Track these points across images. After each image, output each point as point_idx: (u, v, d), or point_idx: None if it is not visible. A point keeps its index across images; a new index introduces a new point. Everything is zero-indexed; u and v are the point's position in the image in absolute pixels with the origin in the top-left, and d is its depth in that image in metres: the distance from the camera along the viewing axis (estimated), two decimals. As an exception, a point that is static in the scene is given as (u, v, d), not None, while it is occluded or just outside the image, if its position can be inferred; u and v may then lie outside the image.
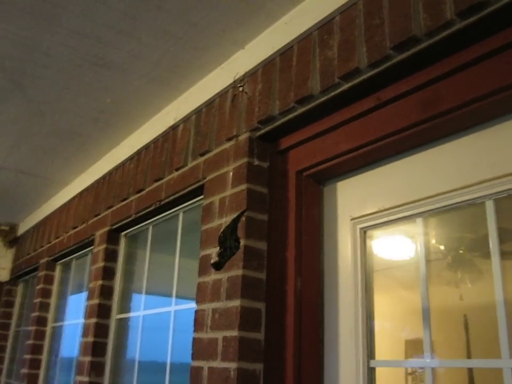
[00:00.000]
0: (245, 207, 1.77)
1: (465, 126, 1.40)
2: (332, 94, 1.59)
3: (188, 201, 2.25)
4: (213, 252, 1.88)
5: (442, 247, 2.06)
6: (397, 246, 1.91)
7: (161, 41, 1.95)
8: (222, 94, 2.08)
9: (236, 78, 1.87)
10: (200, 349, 1.80)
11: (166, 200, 2.30)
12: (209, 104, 2.15)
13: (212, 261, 1.54)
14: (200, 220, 2.13)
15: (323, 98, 1.62)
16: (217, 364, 1.71)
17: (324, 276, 1.73)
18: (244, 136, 1.89)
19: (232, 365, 1.64)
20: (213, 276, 1.84)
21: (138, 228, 2.66)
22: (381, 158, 1.62)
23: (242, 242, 1.74)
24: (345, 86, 1.55)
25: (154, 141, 2.52)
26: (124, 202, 2.65)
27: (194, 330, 1.86)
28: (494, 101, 1.31)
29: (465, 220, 1.59)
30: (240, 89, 1.80)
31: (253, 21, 1.83)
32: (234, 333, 1.67)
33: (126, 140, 2.76)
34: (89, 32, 1.91)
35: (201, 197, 2.13)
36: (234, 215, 1.81)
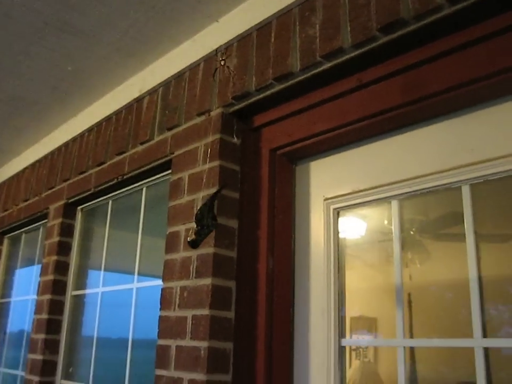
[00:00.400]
0: (217, 184, 1.74)
1: (446, 111, 1.42)
2: (312, 72, 1.57)
3: (152, 176, 2.19)
4: (181, 228, 1.85)
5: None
6: (360, 226, 1.94)
7: (132, 9, 1.86)
8: (192, 67, 2.02)
9: (217, 51, 1.81)
10: (167, 328, 1.77)
11: (129, 175, 2.23)
12: (178, 77, 2.08)
13: (189, 239, 1.51)
14: (164, 196, 2.09)
15: (302, 77, 1.60)
16: (186, 342, 1.68)
17: (295, 256, 1.73)
18: (216, 112, 1.84)
19: (203, 344, 1.62)
20: (182, 254, 1.81)
21: (97, 202, 2.57)
22: (358, 139, 1.62)
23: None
24: (327, 65, 1.53)
25: (117, 113, 2.42)
26: (82, 175, 2.55)
27: (161, 309, 1.82)
28: (476, 88, 1.33)
29: (424, 203, 1.62)
30: (222, 63, 1.75)
31: (231, -7, 1.78)
32: (205, 311, 1.64)
33: (85, 111, 2.64)
34: (55, -7, 1.79)
35: (168, 172, 2.08)
36: (205, 192, 1.77)
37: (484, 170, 1.35)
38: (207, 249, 1.70)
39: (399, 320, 1.44)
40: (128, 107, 2.34)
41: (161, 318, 1.81)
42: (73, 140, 2.72)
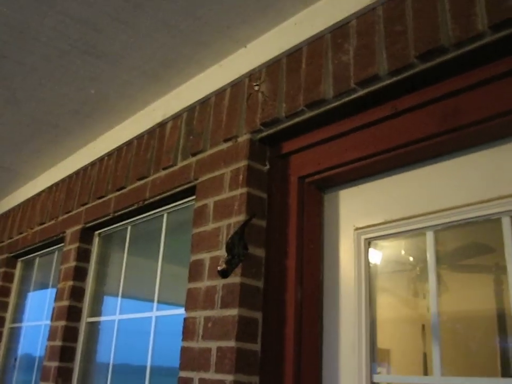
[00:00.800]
0: (245, 211, 1.70)
1: (485, 141, 1.38)
2: (345, 99, 1.54)
3: (174, 202, 2.15)
4: (206, 256, 1.80)
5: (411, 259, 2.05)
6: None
7: (160, 33, 1.85)
8: (219, 93, 2.00)
9: (251, 76, 1.79)
10: (190, 359, 1.71)
11: (150, 200, 2.19)
12: (203, 102, 2.06)
13: (219, 268, 1.46)
14: (186, 223, 2.05)
15: (335, 104, 1.57)
16: (210, 375, 1.62)
17: (323, 287, 1.68)
18: (244, 138, 1.81)
19: (228, 377, 1.56)
20: (206, 282, 1.76)
21: (115, 227, 2.53)
22: (391, 168, 1.58)
23: (242, 248, 1.67)
24: (361, 92, 1.50)
25: (138, 137, 2.40)
26: (101, 200, 2.52)
27: (183, 339, 1.76)
28: (516, 117, 1.30)
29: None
30: (256, 88, 1.72)
31: (260, 19, 1.76)
32: (230, 343, 1.59)
33: (105, 135, 2.63)
34: (85, 18, 1.79)
35: (191, 198, 2.05)
36: (233, 220, 1.73)
37: (526, 202, 1.30)
38: (234, 278, 1.65)
39: (435, 356, 1.38)
40: (151, 132, 2.32)
41: (183, 349, 1.75)
42: (92, 164, 2.70)
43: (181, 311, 2.09)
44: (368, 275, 1.59)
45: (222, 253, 1.73)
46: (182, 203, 2.12)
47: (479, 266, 1.83)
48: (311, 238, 1.71)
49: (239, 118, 1.86)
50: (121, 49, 1.95)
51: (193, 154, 2.01)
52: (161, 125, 2.26)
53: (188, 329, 1.76)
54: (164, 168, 2.14)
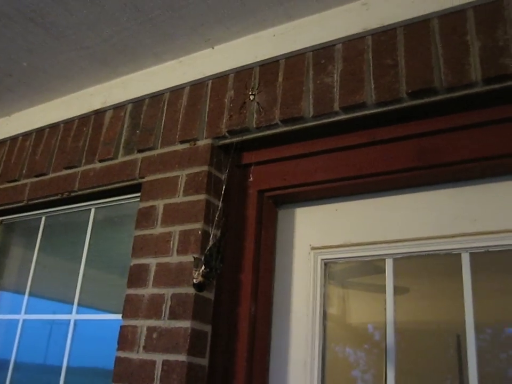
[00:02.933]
0: (203, 219, 1.63)
1: (455, 180, 1.48)
2: (325, 121, 1.55)
3: (108, 197, 1.99)
4: (152, 262, 1.69)
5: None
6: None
7: (125, 16, 1.71)
8: (175, 90, 1.89)
9: (248, 83, 1.72)
10: (127, 371, 1.59)
11: (79, 192, 2.01)
12: (155, 96, 1.94)
13: (195, 281, 1.37)
14: (118, 221, 1.92)
15: (313, 123, 1.57)
16: (153, 390, 1.52)
17: (273, 303, 1.66)
18: (204, 142, 1.74)
19: (176, 394, 1.48)
20: (152, 290, 1.65)
21: (23, 216, 2.27)
22: (357, 193, 1.63)
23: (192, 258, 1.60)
24: (344, 117, 1.53)
25: (66, 122, 2.18)
26: (11, 184, 2.25)
27: (119, 349, 1.63)
28: (485, 164, 1.41)
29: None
30: (251, 97, 1.65)
31: (237, 22, 1.70)
32: (180, 357, 1.50)
33: (23, 112, 2.35)
34: (47, -16, 1.59)
35: (130, 196, 1.93)
36: (186, 227, 1.65)
37: (485, 242, 1.42)
38: (186, 288, 1.58)
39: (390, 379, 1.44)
40: (84, 118, 2.12)
41: (119, 360, 1.62)
42: (2, 141, 2.40)
43: (105, 316, 1.95)
44: (324, 295, 1.61)
45: (173, 260, 1.65)
46: (117, 200, 1.97)
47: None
48: (267, 253, 1.69)
49: (200, 121, 1.78)
50: (76, 25, 1.76)
51: (140, 151, 1.88)
52: (99, 112, 2.08)
53: (126, 339, 1.64)
54: (101, 160, 1.97)
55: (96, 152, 2.00)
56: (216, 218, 1.66)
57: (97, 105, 2.08)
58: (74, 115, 2.14)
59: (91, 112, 2.09)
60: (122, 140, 1.96)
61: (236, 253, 1.68)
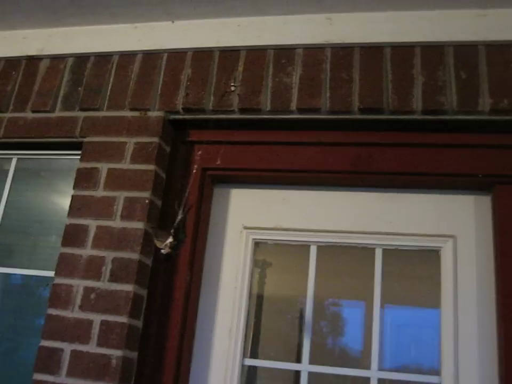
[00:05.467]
0: (151, 189, 1.70)
1: (382, 186, 1.75)
2: (280, 117, 1.71)
3: (37, 150, 1.93)
4: (92, 223, 1.72)
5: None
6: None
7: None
8: (126, 55, 1.89)
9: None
10: (59, 329, 1.61)
11: (4, 140, 1.91)
12: (102, 56, 1.91)
13: (164, 252, 1.44)
14: (44, 174, 1.89)
15: (268, 116, 1.72)
16: (89, 348, 1.58)
17: (203, 274, 1.80)
18: (156, 114, 1.79)
19: (115, 352, 1.55)
20: (90, 251, 1.69)
21: None
22: (295, 184, 1.82)
23: (141, 225, 1.67)
24: (298, 116, 1.70)
25: (-11, 60, 2.03)
26: None
27: (50, 306, 1.65)
28: (406, 178, 1.70)
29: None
30: (232, 88, 1.71)
31: (206, 5, 1.77)
32: (121, 319, 1.58)
33: None
34: None
35: (64, 152, 1.91)
36: (132, 194, 1.70)
37: (398, 241, 1.72)
38: (130, 254, 1.65)
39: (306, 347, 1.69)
40: (13, 62, 2.00)
41: (50, 317, 1.64)
42: None
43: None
44: (252, 271, 1.79)
45: (116, 224, 1.69)
46: (48, 154, 1.92)
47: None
48: (203, 228, 1.81)
49: (153, 92, 1.82)
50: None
51: (83, 109, 1.85)
52: (32, 59, 1.98)
53: (59, 297, 1.65)
54: (35, 111, 1.89)
55: (28, 101, 1.92)
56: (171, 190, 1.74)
57: (32, 51, 1.97)
58: (1, 55, 2.01)
59: (24, 56, 1.98)
60: (61, 94, 1.90)
61: (178, 226, 1.77)
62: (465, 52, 1.63)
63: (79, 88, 1.89)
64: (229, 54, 1.81)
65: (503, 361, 1.49)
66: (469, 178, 1.67)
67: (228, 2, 1.76)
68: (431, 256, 1.71)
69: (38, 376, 1.58)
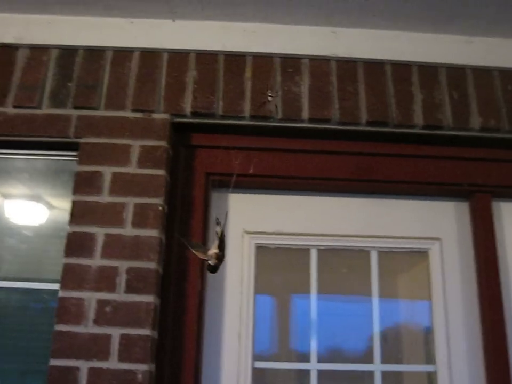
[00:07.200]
0: (163, 195, 1.65)
1: (380, 192, 1.87)
2: (291, 125, 1.75)
3: (19, 149, 1.74)
4: (98, 232, 1.62)
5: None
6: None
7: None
8: (121, 51, 1.78)
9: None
10: (73, 346, 1.50)
11: (-21, 137, 1.70)
12: (93, 50, 1.78)
13: (212, 263, 1.38)
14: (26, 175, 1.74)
15: (279, 124, 1.75)
16: (109, 364, 1.49)
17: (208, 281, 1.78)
18: (162, 116, 1.72)
19: (140, 367, 1.49)
20: (100, 261, 1.59)
21: None
22: (295, 190, 1.87)
23: (156, 233, 1.61)
24: (308, 126, 1.76)
25: (-50, 44, 1.78)
26: None
27: (58, 322, 1.52)
28: (402, 186, 1.85)
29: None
30: (269, 99, 1.66)
31: (214, 7, 1.74)
32: (144, 331, 1.52)
33: None
34: None
35: (53, 153, 1.76)
36: (142, 200, 1.63)
37: (391, 244, 1.87)
38: (147, 263, 1.58)
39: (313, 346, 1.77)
40: (-15, 48, 1.77)
41: (58, 334, 1.51)
42: None
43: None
44: (256, 276, 1.82)
45: (127, 232, 1.61)
46: (35, 154, 1.75)
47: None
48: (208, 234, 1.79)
49: (156, 93, 1.74)
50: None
51: (77, 107, 1.72)
52: (8, 47, 1.77)
53: (68, 311, 1.53)
54: (17, 107, 1.71)
55: (7, 94, 1.72)
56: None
57: (7, 38, 1.77)
58: (-31, 41, 1.77)
59: (-2, 44, 1.77)
60: (48, 89, 1.74)
61: (184, 230, 1.73)
62: (456, 74, 1.82)
63: (69, 84, 1.75)
64: (235, 58, 1.80)
65: (484, 341, 1.72)
66: (452, 187, 1.86)
67: (237, 7, 1.75)
68: (421, 256, 1.88)
69: (53, 399, 1.47)
